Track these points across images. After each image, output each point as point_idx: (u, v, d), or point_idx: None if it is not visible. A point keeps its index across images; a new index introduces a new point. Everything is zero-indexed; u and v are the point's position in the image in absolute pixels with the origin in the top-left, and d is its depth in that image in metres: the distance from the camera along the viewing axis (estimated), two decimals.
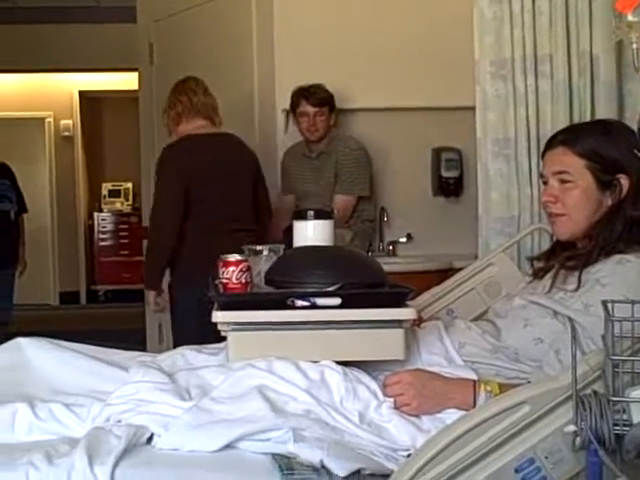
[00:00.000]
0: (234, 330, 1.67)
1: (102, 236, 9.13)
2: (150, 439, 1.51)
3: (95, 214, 9.18)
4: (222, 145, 3.41)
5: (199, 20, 4.35)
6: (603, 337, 1.29)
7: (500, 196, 2.85)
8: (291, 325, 1.67)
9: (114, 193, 9.32)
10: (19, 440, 1.53)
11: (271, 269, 1.81)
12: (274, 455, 1.45)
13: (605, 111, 2.73)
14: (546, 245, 2.28)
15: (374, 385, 1.64)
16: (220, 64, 4.19)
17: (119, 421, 1.55)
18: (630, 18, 1.88)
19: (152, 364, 1.77)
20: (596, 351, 1.36)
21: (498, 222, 2.85)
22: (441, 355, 1.77)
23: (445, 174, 4.04)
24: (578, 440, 1.24)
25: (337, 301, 1.66)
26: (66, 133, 8.98)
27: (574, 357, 1.25)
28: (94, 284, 9.15)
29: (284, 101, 3.88)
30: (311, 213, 1.91)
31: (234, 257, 1.77)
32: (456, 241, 3.84)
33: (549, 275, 1.84)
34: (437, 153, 4.07)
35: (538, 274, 1.91)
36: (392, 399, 1.61)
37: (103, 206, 9.29)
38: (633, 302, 1.26)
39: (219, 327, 1.68)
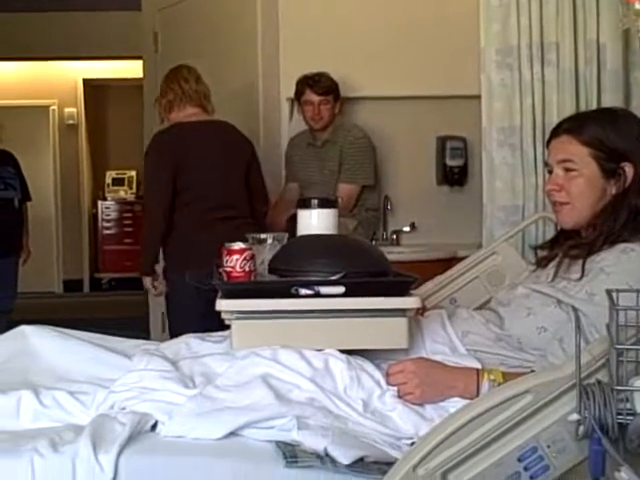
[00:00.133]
0: (238, 318, 1.67)
1: (106, 224, 9.13)
2: (154, 427, 1.52)
3: (99, 202, 9.17)
4: (214, 132, 3.38)
5: (203, 8, 4.34)
6: (607, 326, 1.29)
7: (505, 185, 2.84)
8: (295, 314, 1.67)
9: (118, 181, 9.29)
10: (24, 427, 1.54)
11: (275, 257, 1.81)
12: (278, 443, 1.45)
13: (611, 99, 2.72)
14: (550, 234, 2.28)
15: (378, 374, 1.64)
16: (224, 53, 4.18)
17: (123, 408, 1.55)
18: (637, 6, 1.87)
19: (156, 352, 1.78)
20: (600, 340, 1.36)
21: (502, 211, 2.84)
22: (445, 344, 1.77)
23: (450, 163, 4.03)
24: (581, 429, 1.24)
25: (341, 290, 1.66)
26: (70, 121, 8.97)
27: (578, 346, 1.24)
28: (98, 272, 9.15)
29: (289, 90, 3.87)
30: (315, 202, 1.90)
31: (238, 245, 1.76)
32: (460, 230, 3.84)
33: (553, 264, 1.84)
34: (442, 142, 4.05)
35: (542, 263, 1.90)
36: (396, 388, 1.61)
37: (107, 194, 9.27)
38: (638, 291, 1.25)
39: (223, 315, 1.68)
